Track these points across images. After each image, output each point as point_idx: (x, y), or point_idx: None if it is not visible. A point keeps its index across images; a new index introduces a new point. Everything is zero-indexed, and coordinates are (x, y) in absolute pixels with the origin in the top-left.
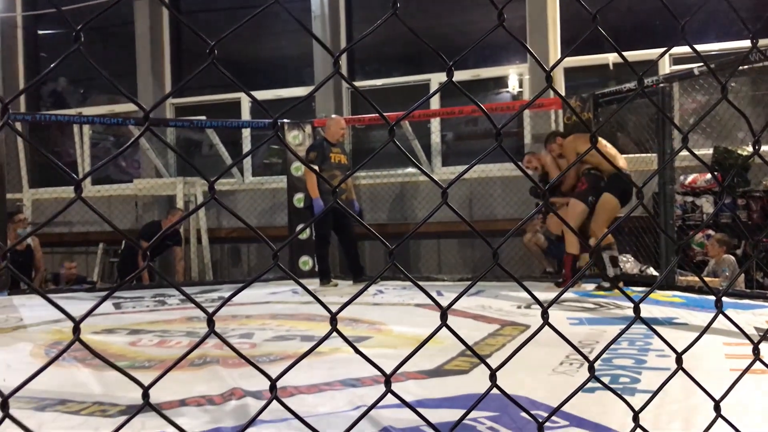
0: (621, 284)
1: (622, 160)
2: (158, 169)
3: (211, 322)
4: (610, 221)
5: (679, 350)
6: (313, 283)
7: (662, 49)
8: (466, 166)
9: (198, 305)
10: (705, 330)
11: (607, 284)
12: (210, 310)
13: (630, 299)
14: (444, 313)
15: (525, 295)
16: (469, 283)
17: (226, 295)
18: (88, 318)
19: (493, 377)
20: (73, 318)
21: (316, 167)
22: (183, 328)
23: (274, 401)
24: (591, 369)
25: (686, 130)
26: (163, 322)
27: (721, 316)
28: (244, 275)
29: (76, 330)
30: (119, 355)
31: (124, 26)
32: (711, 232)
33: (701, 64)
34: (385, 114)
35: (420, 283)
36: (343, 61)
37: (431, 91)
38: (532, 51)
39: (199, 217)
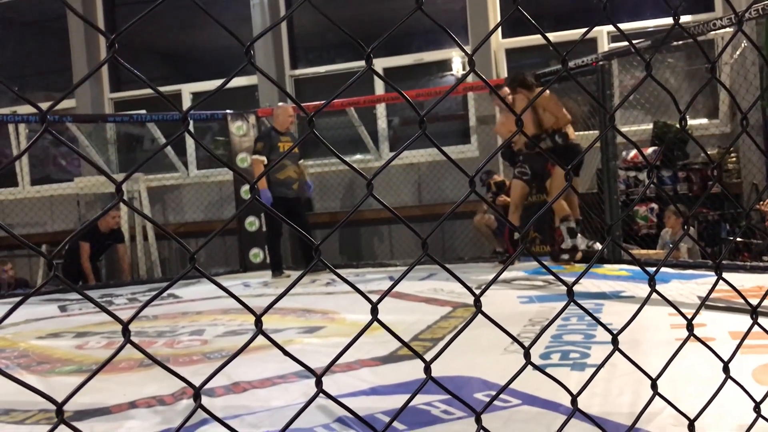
0: (579, 256)
1: (572, 132)
2: (99, 166)
3: (126, 332)
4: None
5: (626, 323)
6: (265, 275)
7: (601, 27)
8: (394, 154)
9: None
10: (639, 310)
11: (566, 256)
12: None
13: (563, 282)
14: (374, 307)
15: (476, 276)
16: (400, 276)
17: (176, 292)
18: (32, 322)
19: (427, 370)
20: (121, 320)
21: (264, 157)
22: (131, 328)
23: (206, 407)
24: (527, 356)
25: (613, 109)
26: (110, 323)
27: (665, 285)
28: (192, 270)
29: (126, 332)
30: (66, 360)
31: (57, 20)
32: (654, 205)
33: (639, 41)
34: (333, 101)
35: (373, 269)
36: (285, 49)
37: (374, 77)
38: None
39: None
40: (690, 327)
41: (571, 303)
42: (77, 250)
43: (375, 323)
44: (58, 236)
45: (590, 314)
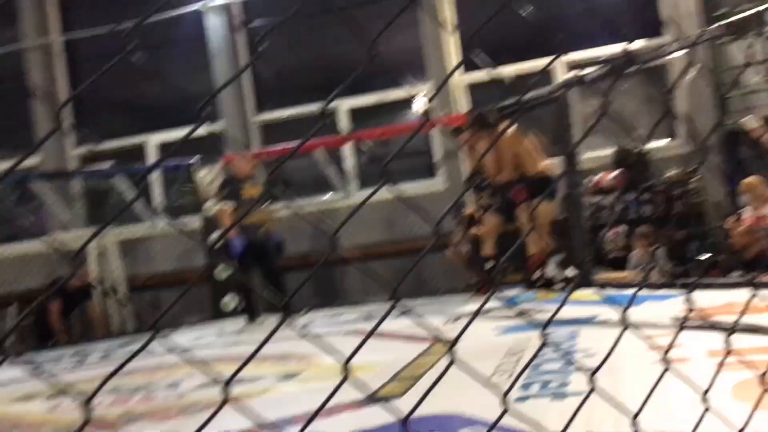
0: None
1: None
2: (66, 222)
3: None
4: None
5: (603, 348)
6: (239, 323)
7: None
8: (356, 207)
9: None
10: (612, 348)
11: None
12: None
13: (536, 325)
14: (345, 364)
15: (450, 309)
16: (369, 331)
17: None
18: (1, 387)
19: (405, 423)
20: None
21: (229, 205)
22: (106, 386)
23: None
24: (505, 403)
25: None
26: (85, 381)
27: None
28: (166, 322)
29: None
30: (40, 424)
31: (18, 78)
32: (622, 228)
33: (594, 68)
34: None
35: (348, 308)
36: (250, 94)
37: (340, 117)
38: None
39: (114, 266)
40: (666, 360)
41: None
42: (46, 309)
43: (356, 366)
44: (28, 295)
45: (568, 359)
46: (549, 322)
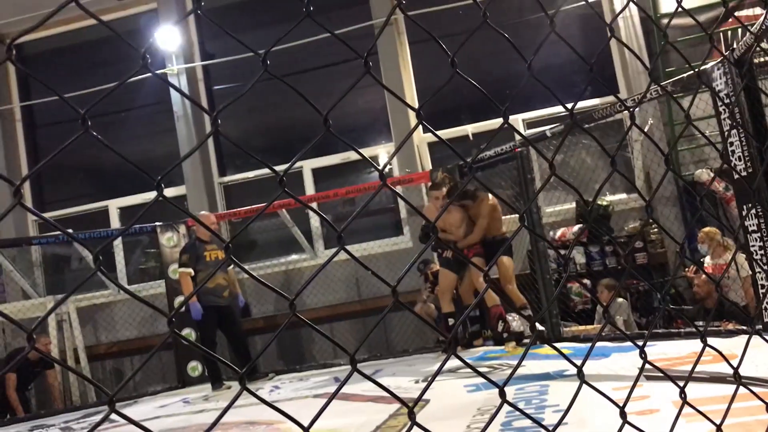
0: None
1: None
2: (25, 290)
3: None
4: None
5: (573, 401)
6: (205, 389)
7: (517, 115)
8: (314, 273)
9: None
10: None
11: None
12: None
13: (494, 384)
14: (306, 430)
15: (420, 367)
16: (330, 395)
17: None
18: None
19: None
20: None
21: (190, 269)
22: None
23: None
24: None
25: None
26: None
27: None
28: (129, 392)
29: None
30: None
31: None
32: (587, 281)
33: (553, 125)
34: (263, 205)
35: (316, 370)
36: (212, 157)
37: (304, 177)
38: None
39: (74, 335)
40: (623, 414)
41: (518, 385)
42: (3, 382)
43: (326, 429)
44: None
45: (535, 421)
46: (507, 381)
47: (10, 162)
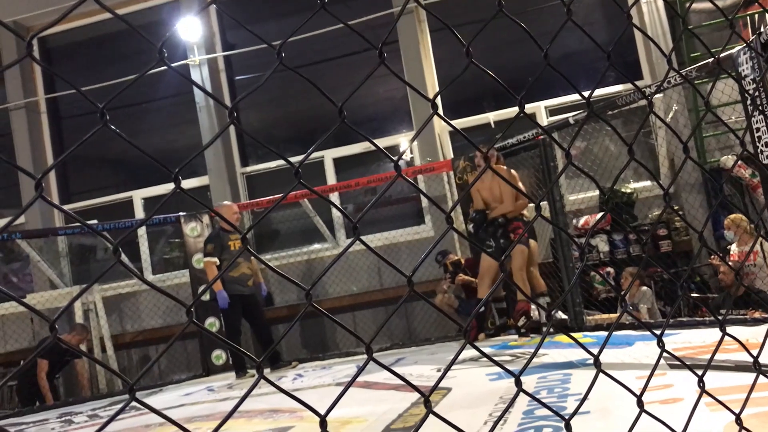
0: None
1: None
2: (52, 280)
3: None
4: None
5: (596, 391)
6: (229, 377)
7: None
8: (333, 260)
9: None
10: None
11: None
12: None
13: (510, 373)
14: (323, 420)
15: (443, 356)
16: (350, 380)
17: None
18: None
19: None
20: None
21: (216, 259)
22: None
23: None
24: None
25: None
26: None
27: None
28: (155, 380)
29: None
30: None
31: (1, 137)
32: (610, 269)
33: (576, 112)
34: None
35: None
36: (234, 148)
37: (325, 167)
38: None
39: (101, 324)
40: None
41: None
42: (34, 368)
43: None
44: (11, 356)
45: (550, 409)
46: (524, 370)
47: (36, 154)
